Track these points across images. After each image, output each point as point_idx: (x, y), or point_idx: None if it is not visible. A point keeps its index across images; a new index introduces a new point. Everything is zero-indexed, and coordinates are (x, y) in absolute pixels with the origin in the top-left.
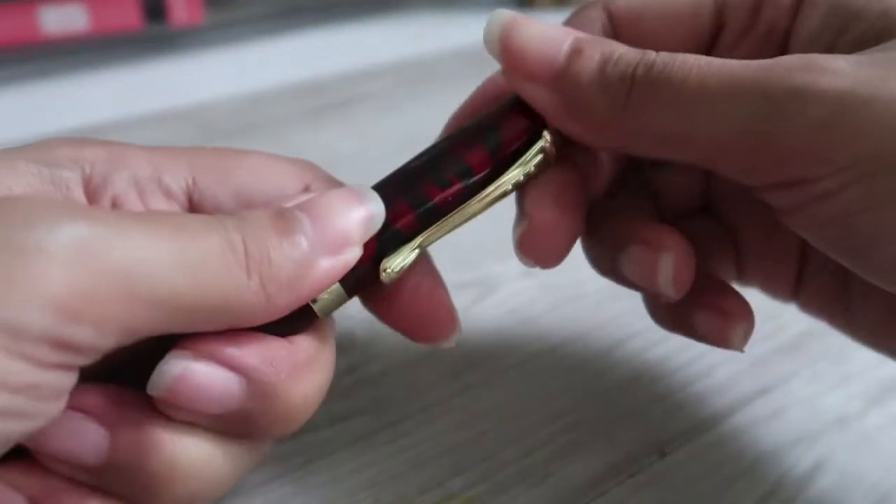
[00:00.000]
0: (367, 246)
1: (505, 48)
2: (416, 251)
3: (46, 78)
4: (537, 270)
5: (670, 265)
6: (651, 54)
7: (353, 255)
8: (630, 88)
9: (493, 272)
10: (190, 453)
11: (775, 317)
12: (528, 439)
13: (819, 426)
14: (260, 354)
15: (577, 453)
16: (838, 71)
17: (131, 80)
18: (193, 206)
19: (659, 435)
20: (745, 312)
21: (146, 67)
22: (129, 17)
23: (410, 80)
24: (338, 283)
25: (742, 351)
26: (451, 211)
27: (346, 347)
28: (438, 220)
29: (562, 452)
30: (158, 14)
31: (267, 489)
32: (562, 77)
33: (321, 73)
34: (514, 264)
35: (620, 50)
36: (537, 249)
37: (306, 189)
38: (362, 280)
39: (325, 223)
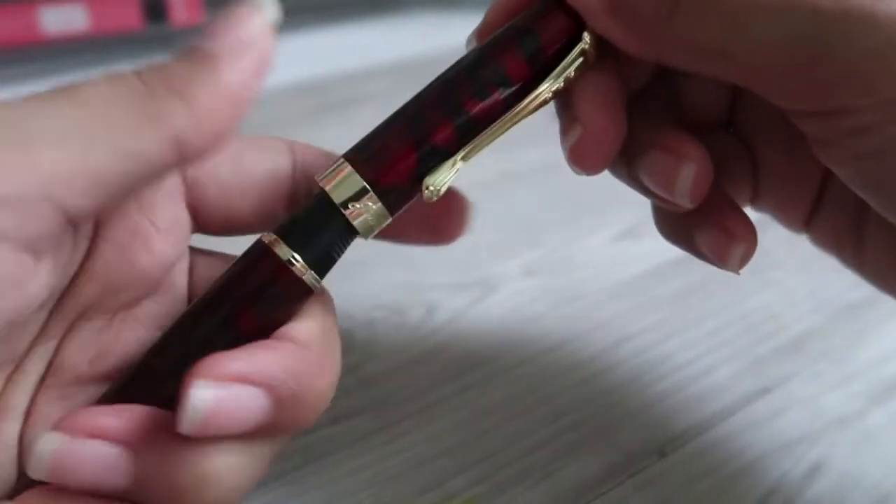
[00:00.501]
0: (406, 162)
1: None
2: (458, 167)
3: (46, 78)
4: (537, 270)
5: (690, 175)
6: None
7: (264, 51)
8: None
9: (493, 272)
10: (218, 465)
11: (776, 317)
12: (528, 439)
13: (819, 426)
14: (278, 364)
15: (576, 453)
16: None
17: None
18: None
19: (659, 435)
20: (748, 234)
21: None
22: (129, 17)
23: (411, 80)
24: (379, 202)
25: (737, 273)
26: (491, 122)
27: (346, 347)
28: (478, 132)
29: (562, 452)
30: (158, 14)
31: (266, 489)
32: None
33: (321, 73)
34: (514, 264)
35: None
36: (590, 155)
37: (292, 151)
38: (404, 198)
39: (223, 34)
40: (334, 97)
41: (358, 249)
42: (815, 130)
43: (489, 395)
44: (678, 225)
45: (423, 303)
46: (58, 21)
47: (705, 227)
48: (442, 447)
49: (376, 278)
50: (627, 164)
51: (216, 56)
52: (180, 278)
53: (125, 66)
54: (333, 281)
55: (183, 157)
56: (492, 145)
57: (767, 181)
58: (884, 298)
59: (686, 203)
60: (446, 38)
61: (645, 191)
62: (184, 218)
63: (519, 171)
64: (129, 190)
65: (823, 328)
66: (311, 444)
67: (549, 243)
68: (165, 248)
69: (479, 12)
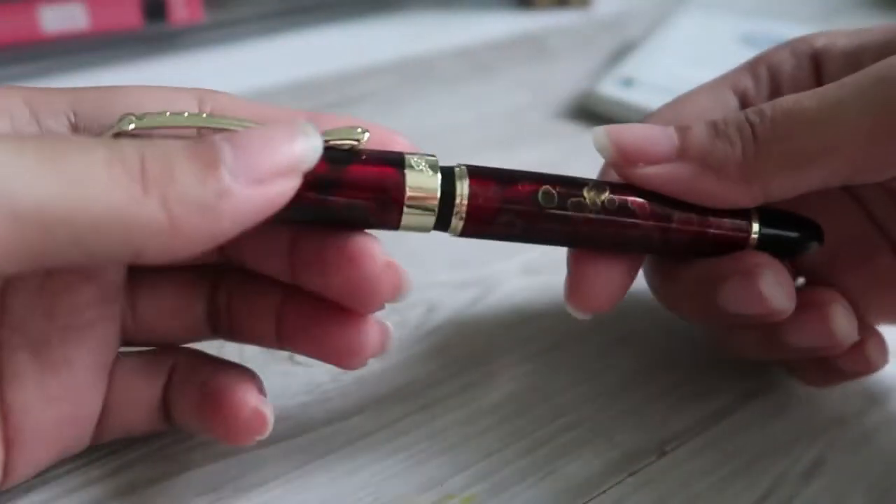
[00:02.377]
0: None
1: (620, 146)
2: None
3: (46, 77)
4: (537, 269)
5: (770, 279)
6: (752, 109)
7: (287, 186)
8: (753, 130)
9: (493, 271)
10: None
11: None
12: (528, 438)
13: (818, 425)
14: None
15: (576, 452)
16: None
17: (131, 78)
18: None
19: (658, 433)
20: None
21: (146, 66)
22: (130, 15)
23: (411, 80)
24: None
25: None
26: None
27: None
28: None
29: (561, 451)
30: (158, 13)
31: (266, 489)
32: (685, 148)
33: (321, 72)
34: (514, 263)
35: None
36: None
37: (204, 112)
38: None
39: (249, 152)
40: (334, 97)
41: None
42: None
43: (489, 393)
44: (822, 368)
45: (423, 301)
46: (58, 20)
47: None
48: (442, 446)
49: None
50: (706, 298)
51: (232, 187)
52: None
53: (125, 65)
54: None
55: (133, 260)
56: (493, 143)
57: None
58: None
59: (783, 306)
60: (446, 39)
61: (734, 318)
62: None
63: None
64: (61, 264)
65: None
66: (310, 442)
67: None
68: None
69: (477, 13)
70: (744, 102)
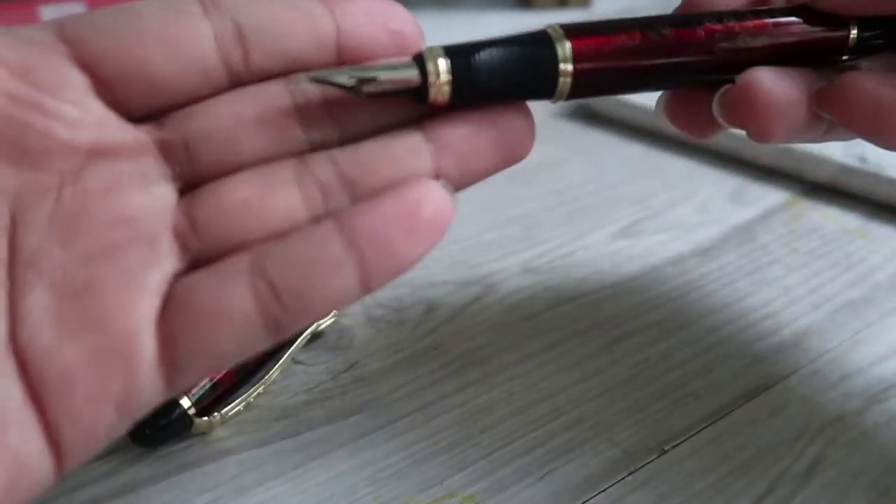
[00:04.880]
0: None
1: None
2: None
3: None
4: (536, 268)
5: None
6: None
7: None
8: None
9: (492, 271)
10: None
11: (775, 314)
12: (528, 437)
13: (818, 424)
14: None
15: (576, 451)
16: None
17: None
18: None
19: (658, 432)
20: None
21: None
22: None
23: None
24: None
25: None
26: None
27: (346, 345)
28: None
29: (561, 450)
30: None
31: (266, 487)
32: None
33: None
34: (513, 262)
35: None
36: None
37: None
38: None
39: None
40: None
41: None
42: None
43: (488, 392)
44: None
45: (423, 301)
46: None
47: None
48: (441, 445)
49: None
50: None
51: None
52: None
53: None
54: None
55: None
56: None
57: None
58: (883, 296)
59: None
60: (445, 39)
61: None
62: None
63: (519, 169)
64: None
65: (822, 326)
66: (311, 441)
67: (548, 241)
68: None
69: (479, 12)
70: None
